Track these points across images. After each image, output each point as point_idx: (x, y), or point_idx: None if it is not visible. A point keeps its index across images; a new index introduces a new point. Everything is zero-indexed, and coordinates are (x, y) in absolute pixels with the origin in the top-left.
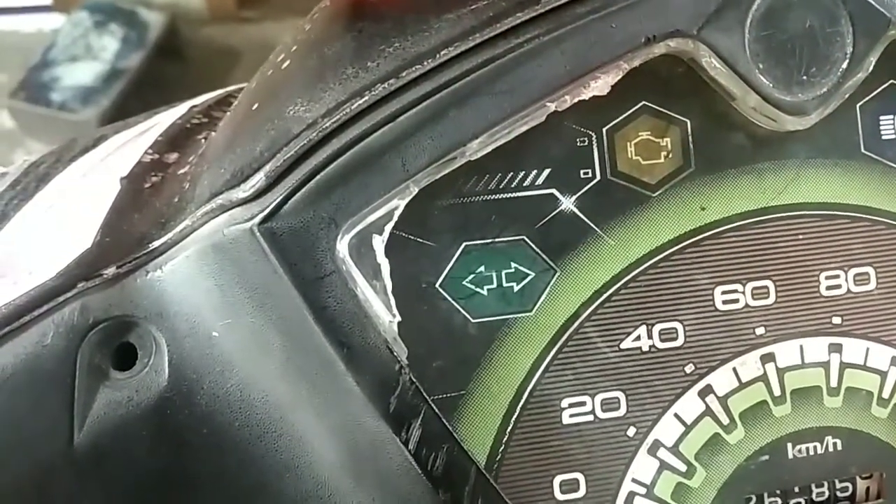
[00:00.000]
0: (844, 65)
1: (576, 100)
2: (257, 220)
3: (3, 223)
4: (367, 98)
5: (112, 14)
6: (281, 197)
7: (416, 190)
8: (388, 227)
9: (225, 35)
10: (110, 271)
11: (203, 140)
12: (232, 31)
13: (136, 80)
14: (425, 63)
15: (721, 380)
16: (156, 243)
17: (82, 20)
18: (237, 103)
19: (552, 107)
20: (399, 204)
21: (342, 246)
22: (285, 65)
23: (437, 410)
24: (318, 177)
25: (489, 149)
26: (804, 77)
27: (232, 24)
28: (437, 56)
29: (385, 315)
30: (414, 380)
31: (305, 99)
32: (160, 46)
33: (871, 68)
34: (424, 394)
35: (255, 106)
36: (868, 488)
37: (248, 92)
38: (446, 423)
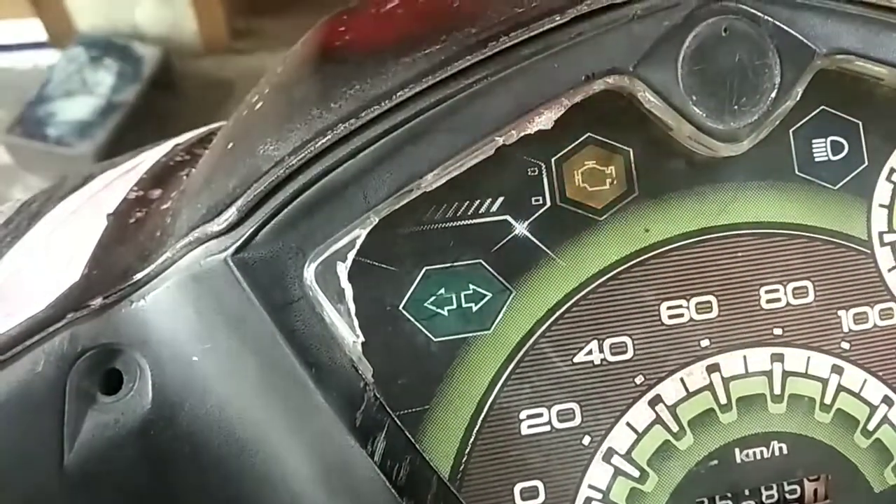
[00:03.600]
0: (773, 94)
1: (522, 134)
2: (230, 251)
3: None
4: (329, 137)
5: (107, 49)
6: (252, 230)
7: (377, 220)
8: (351, 255)
9: (219, 67)
10: (97, 302)
11: (185, 177)
12: (225, 63)
13: (132, 113)
14: (383, 103)
15: (669, 390)
16: (139, 275)
17: (77, 55)
18: (215, 142)
19: (500, 141)
20: (361, 233)
21: (309, 273)
22: (258, 106)
23: (400, 424)
24: (285, 210)
25: (443, 180)
26: (735, 107)
27: (225, 56)
28: (394, 97)
29: (349, 336)
30: (378, 396)
31: (274, 138)
32: (155, 80)
33: (798, 97)
34: (388, 409)
35: (230, 145)
36: (815, 490)
37: (224, 131)
38: (409, 436)
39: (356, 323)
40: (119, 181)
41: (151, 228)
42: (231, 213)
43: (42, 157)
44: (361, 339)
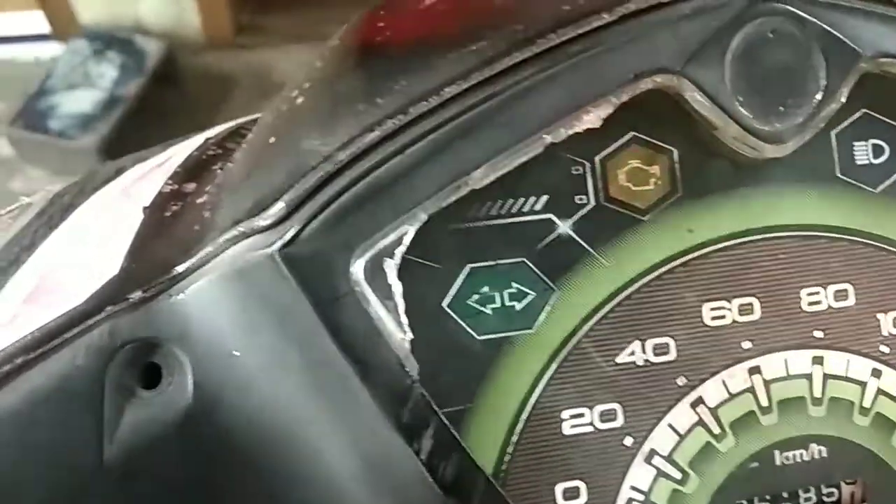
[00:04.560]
0: (819, 96)
1: (570, 132)
2: (277, 245)
3: (32, 251)
4: (377, 133)
5: (110, 42)
6: (300, 225)
7: (425, 217)
8: (399, 252)
9: (221, 62)
10: (136, 295)
11: (219, 170)
12: (228, 58)
13: (134, 107)
14: (430, 100)
15: (711, 391)
16: (179, 268)
17: (81, 48)
18: (253, 136)
19: (549, 139)
20: (409, 229)
21: (356, 269)
22: (299, 101)
23: (446, 421)
24: (333, 205)
25: (492, 178)
26: (781, 108)
27: (228, 51)
28: (441, 93)
29: (398, 333)
30: (425, 393)
31: (320, 133)
32: (158, 74)
33: (843, 99)
34: (434, 406)
35: (272, 139)
36: (853, 493)
37: (263, 126)
38: (455, 433)
39: (405, 320)
40: (152, 174)
41: (188, 222)
42: (278, 208)
43: (44, 149)
44: (410, 336)
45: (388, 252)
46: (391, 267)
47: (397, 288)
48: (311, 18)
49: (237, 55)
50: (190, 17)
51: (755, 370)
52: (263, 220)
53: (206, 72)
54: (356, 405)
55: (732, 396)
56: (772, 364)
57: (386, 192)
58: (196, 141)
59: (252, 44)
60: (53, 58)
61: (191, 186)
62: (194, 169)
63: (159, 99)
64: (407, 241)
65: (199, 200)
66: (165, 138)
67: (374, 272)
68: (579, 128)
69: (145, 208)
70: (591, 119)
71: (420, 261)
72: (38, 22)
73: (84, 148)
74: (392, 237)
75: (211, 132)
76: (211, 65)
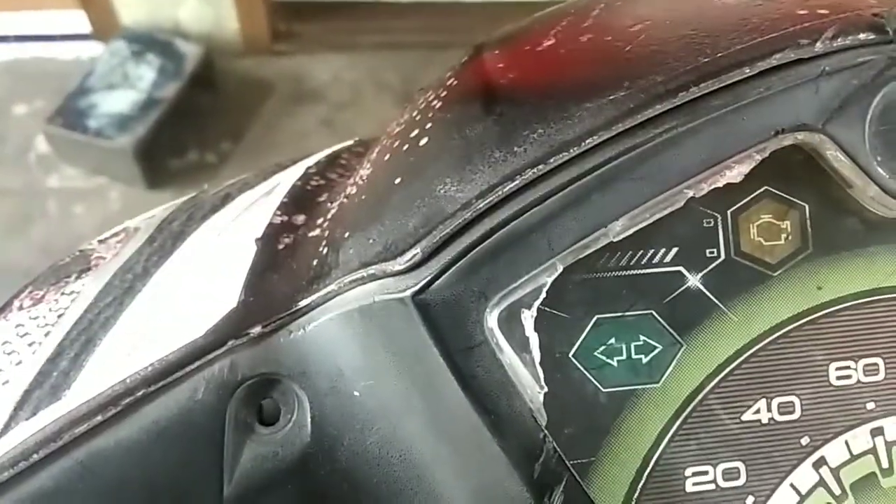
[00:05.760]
0: None
1: (712, 187)
2: (411, 291)
3: (146, 280)
4: (517, 181)
5: (149, 44)
6: (435, 271)
7: (562, 268)
8: (537, 303)
9: (258, 68)
10: (256, 330)
11: (327, 203)
12: (265, 64)
13: (171, 109)
14: (571, 150)
15: (834, 452)
16: (299, 304)
17: (120, 49)
18: (371, 174)
19: (690, 193)
20: (546, 281)
21: (491, 318)
22: (423, 141)
23: (578, 478)
24: (470, 254)
25: (631, 231)
26: None
27: (265, 57)
28: (582, 144)
29: (533, 386)
30: (557, 448)
31: (455, 179)
32: (195, 77)
33: None
34: (566, 461)
35: (398, 180)
36: None
37: (381, 164)
38: (587, 491)
39: (541, 373)
40: (260, 204)
41: (304, 257)
42: (414, 253)
43: (81, 148)
44: (545, 389)
45: (525, 303)
46: (528, 318)
47: (534, 340)
48: (346, 28)
49: (273, 61)
50: (229, 22)
51: (878, 431)
52: (398, 265)
53: (242, 77)
54: (484, 456)
55: (854, 457)
56: (894, 425)
57: (524, 243)
58: (298, 170)
59: (288, 50)
60: (93, 58)
61: (300, 218)
62: (301, 200)
63: (196, 102)
64: (545, 292)
65: (312, 234)
66: (201, 141)
67: (510, 322)
68: (721, 182)
69: (257, 240)
70: (734, 174)
71: (547, 310)
72: (79, 21)
73: (120, 148)
74: (529, 288)
75: (310, 160)
76: (247, 70)
